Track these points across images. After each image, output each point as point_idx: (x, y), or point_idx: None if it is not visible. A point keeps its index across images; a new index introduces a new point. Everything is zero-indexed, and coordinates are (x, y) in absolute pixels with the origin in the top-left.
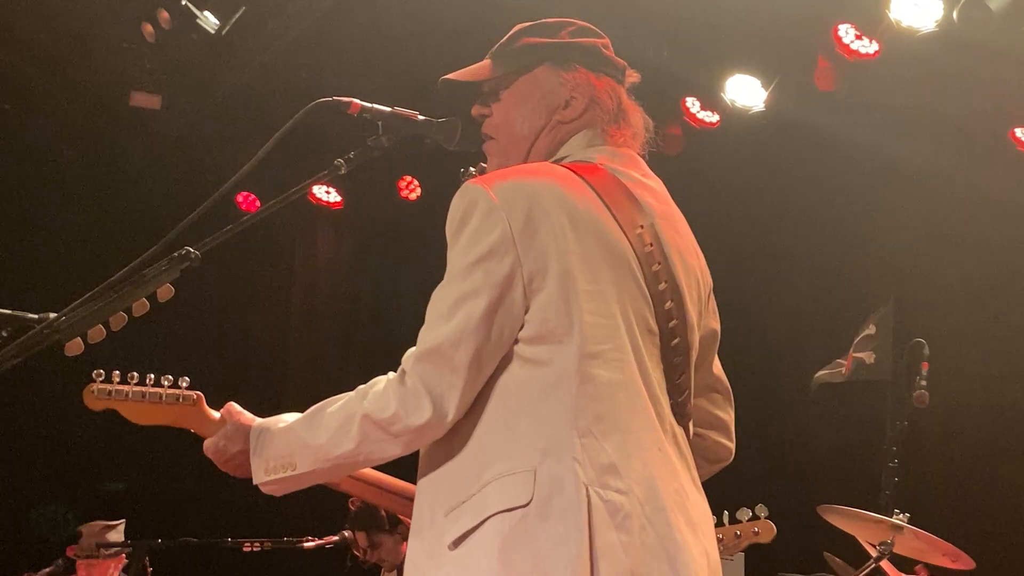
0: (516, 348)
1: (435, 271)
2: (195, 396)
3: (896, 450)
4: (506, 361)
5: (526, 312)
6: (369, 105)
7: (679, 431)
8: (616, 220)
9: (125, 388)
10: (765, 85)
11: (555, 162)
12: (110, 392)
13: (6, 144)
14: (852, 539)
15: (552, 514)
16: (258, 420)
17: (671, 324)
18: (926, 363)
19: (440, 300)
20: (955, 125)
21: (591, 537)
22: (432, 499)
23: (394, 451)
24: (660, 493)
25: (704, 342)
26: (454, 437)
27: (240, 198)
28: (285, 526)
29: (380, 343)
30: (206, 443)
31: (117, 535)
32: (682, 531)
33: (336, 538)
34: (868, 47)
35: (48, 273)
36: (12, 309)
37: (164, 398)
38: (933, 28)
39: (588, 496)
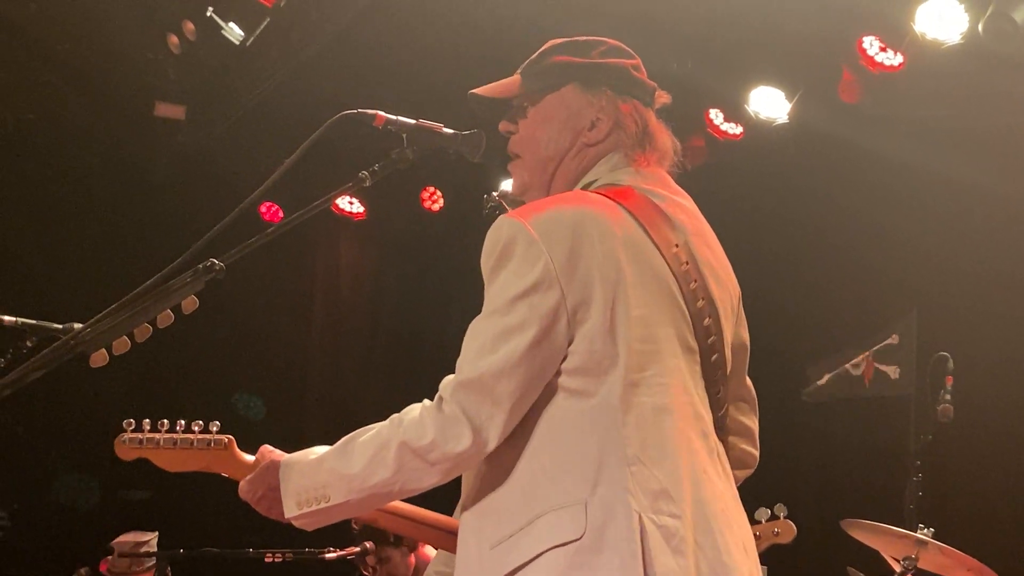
0: (560, 380)
1: (457, 282)
2: (226, 440)
3: (920, 464)
4: (550, 392)
5: (570, 344)
6: (394, 117)
7: (719, 447)
8: (653, 241)
9: (156, 436)
10: (789, 97)
11: (585, 187)
12: (141, 441)
13: (32, 154)
14: (876, 554)
15: (606, 546)
16: (287, 455)
17: (710, 340)
18: (951, 377)
19: (481, 332)
20: (980, 138)
21: (646, 564)
22: (478, 532)
23: (431, 480)
24: (709, 515)
25: (735, 352)
26: (499, 469)
27: (263, 208)
28: (306, 536)
29: (402, 353)
30: (240, 485)
31: (150, 548)
32: (731, 552)
33: (357, 549)
34: (893, 59)
35: (73, 284)
36: (37, 319)
37: (195, 444)
38: (958, 41)
39: (641, 523)
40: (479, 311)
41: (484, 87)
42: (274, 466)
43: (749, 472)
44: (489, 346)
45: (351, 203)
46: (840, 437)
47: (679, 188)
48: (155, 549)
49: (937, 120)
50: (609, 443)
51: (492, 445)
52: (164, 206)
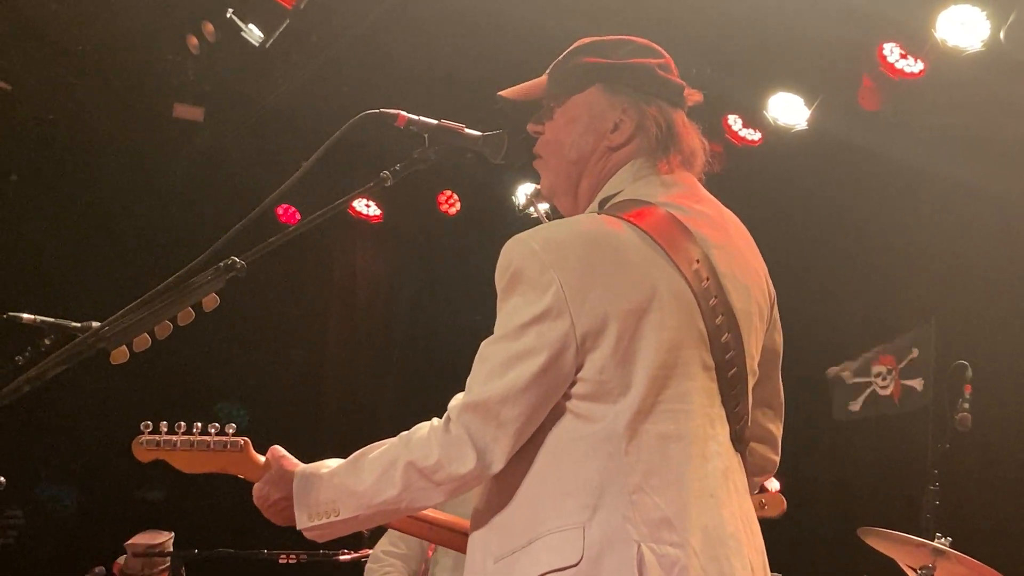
0: (569, 403)
1: (473, 286)
2: (242, 443)
3: (938, 473)
4: (558, 413)
5: (578, 371)
6: (416, 117)
7: (736, 460)
8: (673, 261)
9: (173, 438)
10: (808, 104)
11: (604, 200)
12: (158, 443)
13: (52, 155)
14: (892, 563)
15: (604, 572)
16: (301, 466)
17: (728, 356)
18: (969, 386)
19: (491, 356)
20: (1001, 146)
21: None
22: (484, 545)
23: (436, 498)
24: (716, 542)
25: (767, 356)
26: (506, 485)
27: (280, 210)
28: None
29: (417, 356)
30: (254, 488)
31: (165, 548)
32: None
33: (371, 552)
34: (913, 66)
35: (92, 284)
36: (56, 318)
37: (211, 446)
38: (979, 48)
39: (641, 553)
40: (494, 315)
41: (511, 89)
42: (288, 476)
43: (768, 477)
44: (497, 371)
45: (368, 206)
46: (857, 446)
47: (706, 195)
48: (171, 549)
49: (957, 128)
50: (611, 470)
51: (496, 467)
52: (183, 207)
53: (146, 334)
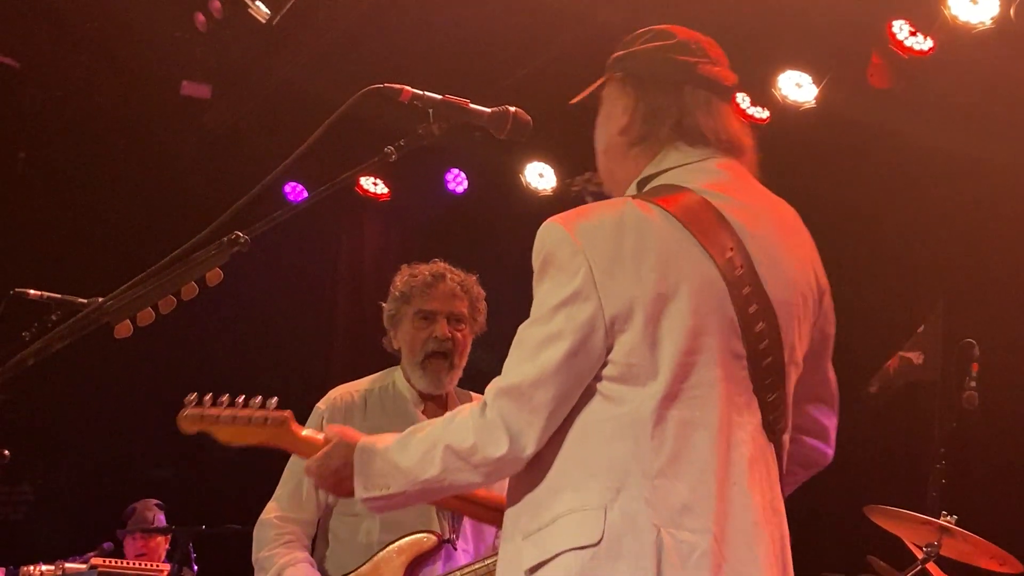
0: (599, 385)
1: (480, 263)
2: (284, 416)
3: (944, 451)
4: (589, 395)
5: (608, 352)
6: (420, 92)
7: (769, 450)
8: (704, 248)
9: (216, 412)
10: (817, 81)
11: (644, 179)
12: (202, 416)
13: (59, 132)
14: (898, 540)
15: (623, 554)
16: (363, 438)
17: (762, 346)
18: (976, 364)
19: (525, 339)
20: (1011, 123)
21: None
22: (515, 520)
23: (475, 479)
24: (738, 530)
25: (815, 348)
26: (537, 465)
27: (288, 188)
28: None
29: None
30: (308, 463)
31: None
32: (759, 566)
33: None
34: (923, 44)
35: (98, 261)
36: (63, 294)
37: (253, 420)
38: (989, 25)
39: (660, 537)
40: (501, 292)
41: (579, 96)
42: (348, 448)
43: (819, 469)
44: (529, 354)
45: (375, 184)
46: (864, 424)
47: (749, 183)
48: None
49: (967, 105)
50: (636, 454)
51: (530, 451)
52: (189, 185)
53: (150, 308)
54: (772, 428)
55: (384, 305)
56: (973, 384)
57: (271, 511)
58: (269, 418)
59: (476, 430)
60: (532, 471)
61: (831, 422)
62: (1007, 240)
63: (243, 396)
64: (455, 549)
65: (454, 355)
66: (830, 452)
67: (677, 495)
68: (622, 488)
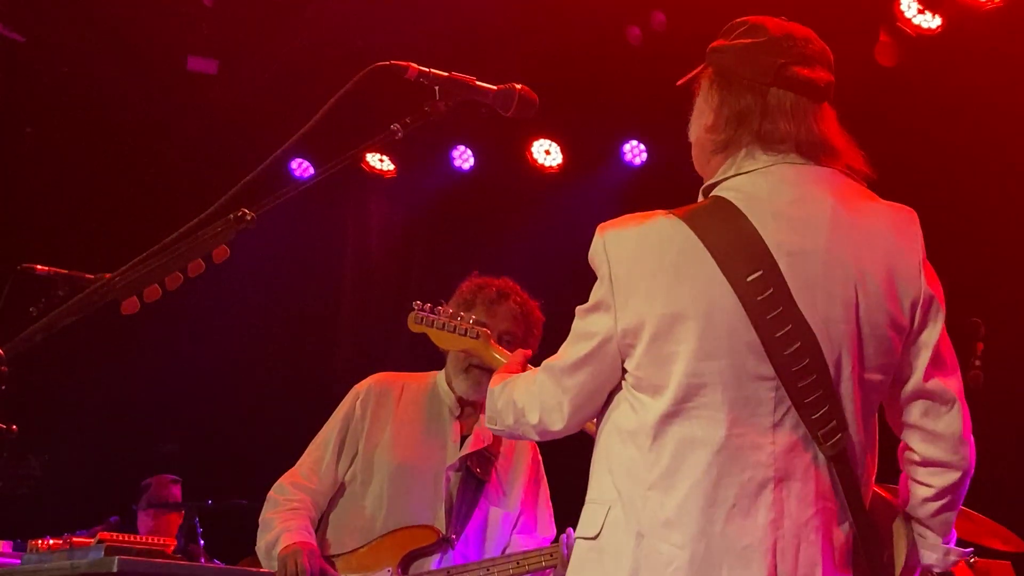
0: (625, 391)
1: (486, 240)
2: (487, 332)
3: None
4: (620, 399)
5: (624, 362)
6: (426, 70)
7: (816, 467)
8: (723, 272)
9: (433, 318)
10: None
11: (708, 187)
12: (422, 319)
13: (65, 108)
14: None
15: (608, 552)
16: (498, 371)
17: (798, 367)
18: (981, 343)
19: (574, 326)
20: (1018, 102)
21: None
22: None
23: (530, 435)
24: (722, 550)
25: (912, 354)
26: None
27: (294, 165)
28: None
29: None
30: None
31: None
32: None
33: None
34: (931, 21)
35: (105, 237)
36: (70, 270)
37: (465, 331)
38: (998, 3)
39: (641, 545)
40: (507, 270)
41: (681, 80)
42: (524, 361)
43: (944, 468)
44: (569, 342)
45: (381, 161)
46: None
47: (809, 190)
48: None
49: (975, 85)
50: (637, 462)
51: (556, 427)
52: (196, 161)
53: (157, 285)
54: (824, 441)
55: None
56: (978, 363)
57: (290, 475)
58: (476, 332)
59: (525, 395)
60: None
61: (934, 424)
62: (1016, 219)
63: (462, 312)
64: (452, 548)
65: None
66: (948, 457)
67: (664, 509)
68: (623, 492)
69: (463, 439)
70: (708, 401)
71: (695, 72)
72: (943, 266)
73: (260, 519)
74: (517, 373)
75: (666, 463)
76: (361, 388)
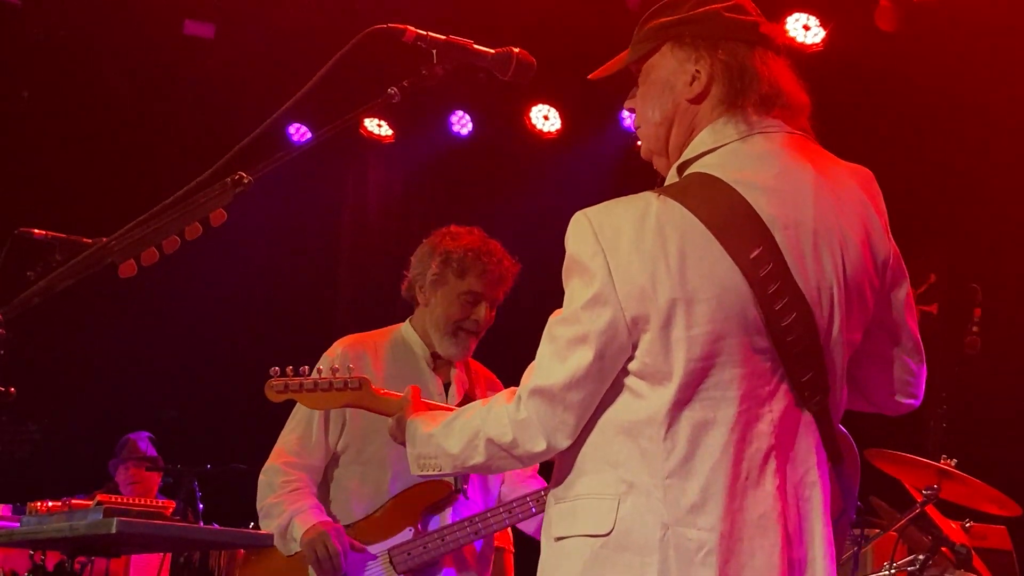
0: (626, 379)
1: (484, 205)
2: (362, 379)
3: (945, 396)
4: (617, 387)
5: (634, 348)
6: (424, 33)
7: (803, 424)
8: (726, 251)
9: (299, 380)
10: (824, 24)
11: (683, 164)
12: (286, 386)
13: (61, 72)
14: (898, 483)
15: (630, 546)
16: (412, 416)
17: (791, 336)
18: (979, 309)
19: (556, 336)
20: (1019, 68)
21: (662, 573)
22: (553, 488)
23: (518, 466)
24: (746, 523)
25: (888, 313)
26: (577, 440)
27: (291, 129)
28: None
29: None
30: (390, 427)
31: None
32: (766, 553)
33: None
34: None
35: (102, 201)
36: (67, 234)
37: (334, 385)
38: None
39: (667, 535)
40: (504, 236)
41: (598, 70)
42: (403, 423)
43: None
44: (561, 353)
45: (379, 126)
46: None
47: (789, 156)
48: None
49: (977, 50)
50: (650, 452)
51: (565, 444)
52: (193, 125)
53: (154, 248)
54: (808, 401)
55: (414, 260)
56: (975, 329)
57: (278, 456)
58: (349, 382)
59: (513, 427)
60: (571, 447)
61: (920, 371)
62: (1014, 184)
63: (321, 367)
64: (467, 498)
65: (480, 333)
66: (903, 401)
67: (687, 495)
68: (636, 483)
69: (446, 388)
70: (718, 381)
71: (646, 52)
72: (942, 231)
73: (259, 506)
74: (440, 412)
75: (683, 451)
76: (333, 355)
